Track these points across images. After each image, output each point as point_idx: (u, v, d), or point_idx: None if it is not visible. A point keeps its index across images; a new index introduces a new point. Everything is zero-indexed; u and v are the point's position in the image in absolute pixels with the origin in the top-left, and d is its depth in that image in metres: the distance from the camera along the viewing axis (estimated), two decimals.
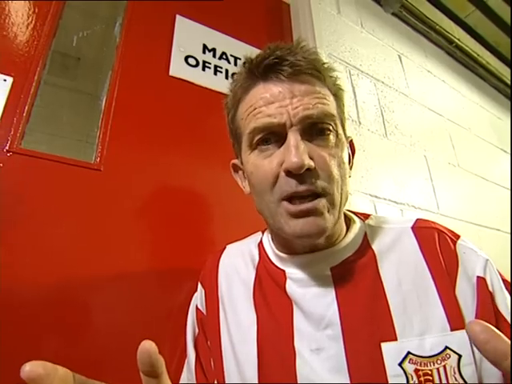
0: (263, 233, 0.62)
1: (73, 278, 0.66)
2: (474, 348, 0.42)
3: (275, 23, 1.22)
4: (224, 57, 1.02)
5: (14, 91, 0.72)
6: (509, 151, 1.85)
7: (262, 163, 0.46)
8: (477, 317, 0.44)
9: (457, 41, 1.82)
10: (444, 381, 0.40)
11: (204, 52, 0.99)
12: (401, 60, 1.49)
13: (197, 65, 0.96)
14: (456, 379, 0.41)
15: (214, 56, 1.00)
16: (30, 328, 0.60)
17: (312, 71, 0.46)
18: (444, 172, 1.38)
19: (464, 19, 1.89)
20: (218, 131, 0.93)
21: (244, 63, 0.50)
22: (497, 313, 0.43)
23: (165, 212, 0.79)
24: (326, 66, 0.50)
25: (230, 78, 1.00)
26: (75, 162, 0.72)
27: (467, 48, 1.86)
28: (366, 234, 0.53)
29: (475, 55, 1.90)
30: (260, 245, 0.60)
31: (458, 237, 0.51)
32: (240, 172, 0.56)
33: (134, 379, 0.63)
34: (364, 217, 0.57)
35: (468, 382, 0.40)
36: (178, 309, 0.71)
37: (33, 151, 0.69)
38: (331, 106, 0.47)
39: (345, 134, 0.51)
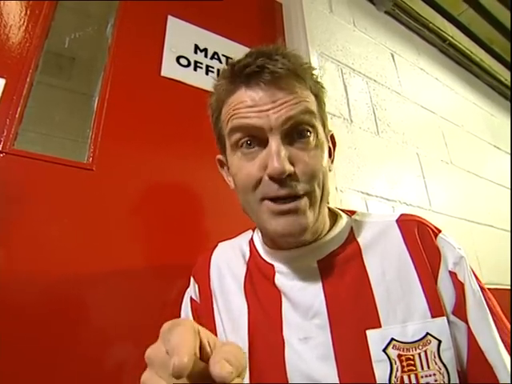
0: (254, 230, 0.64)
1: (66, 276, 0.67)
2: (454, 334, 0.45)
3: (267, 22, 1.23)
4: (216, 57, 1.03)
5: (6, 92, 0.72)
6: (502, 148, 1.87)
7: (245, 165, 0.48)
8: (455, 308, 0.47)
9: (450, 38, 1.83)
10: (425, 365, 0.43)
11: (196, 52, 1.00)
12: (393, 58, 1.50)
13: (188, 65, 0.97)
14: (436, 363, 0.43)
15: (206, 56, 1.01)
16: (26, 325, 0.61)
17: (292, 76, 0.48)
18: (436, 169, 1.39)
19: (457, 17, 1.90)
20: (209, 130, 0.94)
21: (227, 66, 0.51)
22: (465, 308, 0.46)
23: (157, 211, 0.80)
24: (305, 66, 0.51)
25: None
26: (67, 162, 0.73)
27: (460, 46, 1.87)
28: (352, 228, 0.55)
29: (469, 53, 1.91)
30: (251, 241, 0.62)
31: (439, 231, 0.53)
32: (225, 167, 0.57)
33: (128, 371, 0.65)
34: (350, 213, 0.59)
35: (447, 365, 0.43)
36: (171, 305, 0.72)
37: (25, 152, 0.70)
38: (312, 104, 0.49)
39: (325, 131, 0.53)
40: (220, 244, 0.67)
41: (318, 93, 0.52)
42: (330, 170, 0.53)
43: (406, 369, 0.43)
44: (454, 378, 0.43)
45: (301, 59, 0.52)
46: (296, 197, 0.46)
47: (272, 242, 0.55)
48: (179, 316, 0.64)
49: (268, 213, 0.47)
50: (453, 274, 0.48)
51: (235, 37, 1.09)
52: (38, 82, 0.79)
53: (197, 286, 0.63)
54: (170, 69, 0.93)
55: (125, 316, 0.70)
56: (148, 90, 0.90)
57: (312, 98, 0.50)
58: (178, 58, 0.96)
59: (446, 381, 0.43)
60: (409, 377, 0.43)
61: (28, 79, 0.76)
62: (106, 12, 0.95)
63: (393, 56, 1.51)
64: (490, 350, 0.44)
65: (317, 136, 0.49)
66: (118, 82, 0.86)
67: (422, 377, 0.43)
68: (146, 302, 0.72)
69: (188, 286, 0.66)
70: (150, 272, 0.75)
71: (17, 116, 0.72)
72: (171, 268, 0.78)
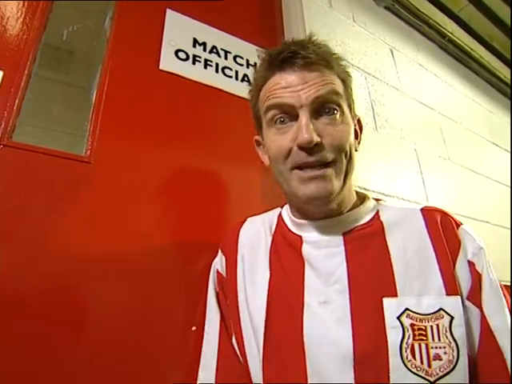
0: (282, 207, 0.68)
1: (65, 270, 0.67)
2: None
3: (266, 17, 1.22)
4: (214, 51, 1.03)
5: (4, 85, 0.72)
6: (500, 145, 1.87)
7: (279, 138, 0.54)
8: (469, 293, 0.50)
9: (450, 34, 1.82)
10: (436, 337, 0.46)
11: (194, 46, 0.99)
12: (392, 54, 1.50)
13: (187, 59, 0.97)
14: (447, 337, 0.46)
15: (205, 50, 1.01)
16: (24, 321, 0.61)
17: (321, 61, 0.54)
18: (434, 165, 1.39)
19: (457, 13, 1.90)
20: (207, 124, 0.94)
21: (265, 56, 0.58)
22: (480, 297, 0.49)
23: (155, 204, 0.81)
24: (335, 56, 0.58)
25: (220, 72, 1.01)
26: (65, 154, 0.73)
27: (460, 42, 1.87)
28: (378, 210, 0.60)
29: (468, 49, 1.91)
30: (279, 216, 0.67)
31: (461, 223, 0.57)
32: (261, 146, 0.64)
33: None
34: (377, 200, 0.64)
35: (457, 341, 0.46)
36: (173, 310, 0.73)
37: (23, 144, 0.70)
38: (338, 87, 0.55)
39: (351, 113, 0.58)
40: (249, 219, 0.72)
41: (344, 79, 0.58)
42: (356, 150, 0.58)
43: (417, 337, 0.46)
44: (464, 354, 0.45)
45: (330, 49, 0.58)
46: (323, 164, 0.51)
47: (301, 212, 0.59)
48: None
49: (298, 180, 0.52)
50: (471, 264, 0.51)
51: (234, 31, 1.09)
52: (36, 76, 0.79)
53: (224, 258, 0.67)
54: (168, 62, 0.93)
55: (124, 316, 0.70)
56: (146, 84, 0.89)
57: (338, 82, 0.56)
58: (176, 52, 0.96)
59: (456, 355, 0.45)
60: (419, 345, 0.45)
61: (26, 71, 0.76)
62: (104, 5, 0.94)
63: (392, 51, 1.51)
64: (502, 336, 0.46)
65: (343, 115, 0.54)
66: (117, 76, 0.86)
67: (432, 347, 0.45)
68: (145, 298, 0.73)
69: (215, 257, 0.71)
70: (147, 267, 0.75)
71: (15, 108, 0.72)
72: (169, 263, 0.78)
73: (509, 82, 2.13)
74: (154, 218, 0.80)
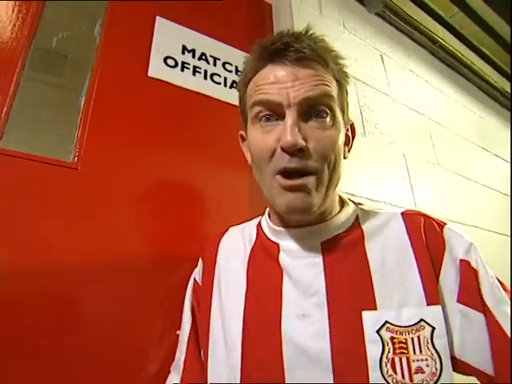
0: (262, 215, 0.66)
1: (50, 275, 0.68)
2: (450, 322, 0.46)
3: (256, 23, 1.24)
4: (203, 57, 1.04)
5: None
6: (489, 149, 1.89)
7: (262, 137, 0.51)
8: (459, 296, 0.47)
9: (441, 41, 1.84)
10: (417, 349, 0.44)
11: (183, 53, 1.01)
12: (383, 60, 1.52)
13: (175, 65, 0.98)
14: (429, 349, 0.44)
15: (194, 57, 1.02)
16: (15, 328, 0.62)
17: (316, 57, 0.49)
18: (423, 170, 1.41)
19: (448, 19, 1.92)
20: (196, 130, 0.96)
21: (255, 45, 0.54)
22: (480, 294, 0.47)
23: (141, 211, 0.82)
24: (332, 53, 0.53)
25: (208, 79, 1.02)
26: (52, 161, 0.74)
27: (451, 48, 1.89)
28: (358, 216, 0.57)
29: (459, 55, 1.93)
30: (258, 225, 0.64)
31: (445, 223, 0.54)
32: (245, 142, 0.60)
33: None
34: (357, 203, 0.62)
35: (440, 352, 0.44)
36: (156, 307, 0.74)
37: (9, 150, 0.71)
38: (332, 88, 0.51)
39: (344, 118, 0.55)
40: (230, 228, 0.70)
41: (340, 79, 0.54)
42: (345, 157, 0.55)
43: (397, 351, 0.44)
44: (447, 365, 0.44)
45: (328, 44, 0.54)
46: (305, 174, 0.48)
47: (280, 219, 0.57)
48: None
49: (278, 188, 0.49)
50: (465, 262, 0.49)
51: (224, 38, 1.10)
52: (30, 80, 0.79)
53: (202, 266, 0.66)
54: (156, 69, 0.94)
55: (114, 314, 0.71)
56: (135, 91, 0.90)
57: (333, 83, 0.51)
58: (165, 59, 0.97)
59: (438, 367, 0.43)
60: (400, 359, 0.44)
61: (14, 79, 0.77)
62: (97, 10, 0.95)
63: (382, 57, 1.52)
64: None
65: (334, 119, 0.50)
66: (105, 82, 0.87)
67: (413, 361, 0.44)
68: (130, 302, 0.74)
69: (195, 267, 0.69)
70: (133, 273, 0.76)
71: (2, 115, 0.73)
72: (157, 267, 0.79)
73: (499, 86, 2.16)
74: (140, 224, 0.81)
